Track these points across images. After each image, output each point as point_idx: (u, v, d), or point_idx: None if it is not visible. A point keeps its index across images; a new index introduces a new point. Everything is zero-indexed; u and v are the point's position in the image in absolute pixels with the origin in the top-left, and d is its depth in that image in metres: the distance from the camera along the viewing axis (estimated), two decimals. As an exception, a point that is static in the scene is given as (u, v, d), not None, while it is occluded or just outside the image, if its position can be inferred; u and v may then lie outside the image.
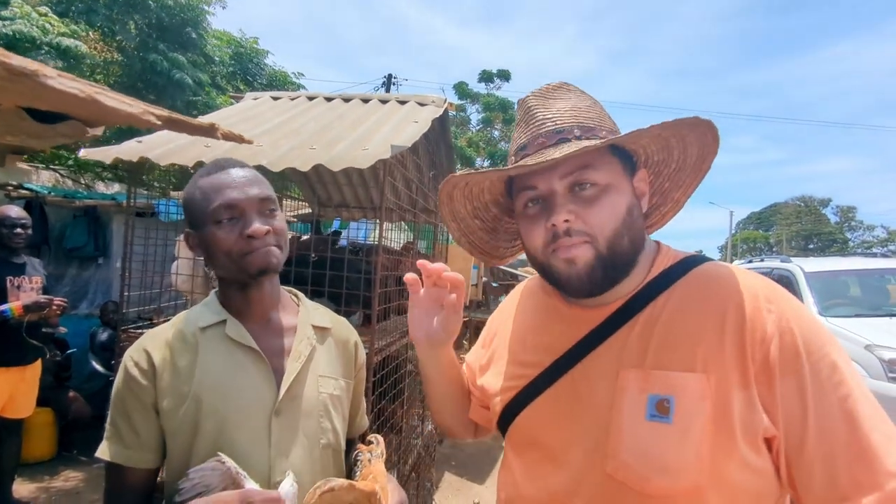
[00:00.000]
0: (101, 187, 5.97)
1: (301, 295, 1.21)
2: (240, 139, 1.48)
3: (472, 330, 9.66)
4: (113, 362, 3.76)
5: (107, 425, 1.03)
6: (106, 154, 2.04)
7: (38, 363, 3.42)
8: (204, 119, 2.72)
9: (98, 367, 4.45)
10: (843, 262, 7.23)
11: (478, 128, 16.18)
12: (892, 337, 4.88)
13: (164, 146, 2.07)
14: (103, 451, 1.01)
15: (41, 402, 3.64)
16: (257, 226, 1.01)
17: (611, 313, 0.88)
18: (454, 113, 15.96)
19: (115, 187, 5.97)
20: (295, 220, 5.02)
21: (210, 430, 0.99)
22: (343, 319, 1.25)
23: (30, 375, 3.35)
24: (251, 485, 0.92)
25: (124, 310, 2.29)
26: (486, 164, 15.03)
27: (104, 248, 5.35)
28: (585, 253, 0.82)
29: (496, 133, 15.92)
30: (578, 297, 0.89)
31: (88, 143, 4.51)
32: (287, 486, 0.91)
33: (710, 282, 0.85)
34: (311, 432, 1.06)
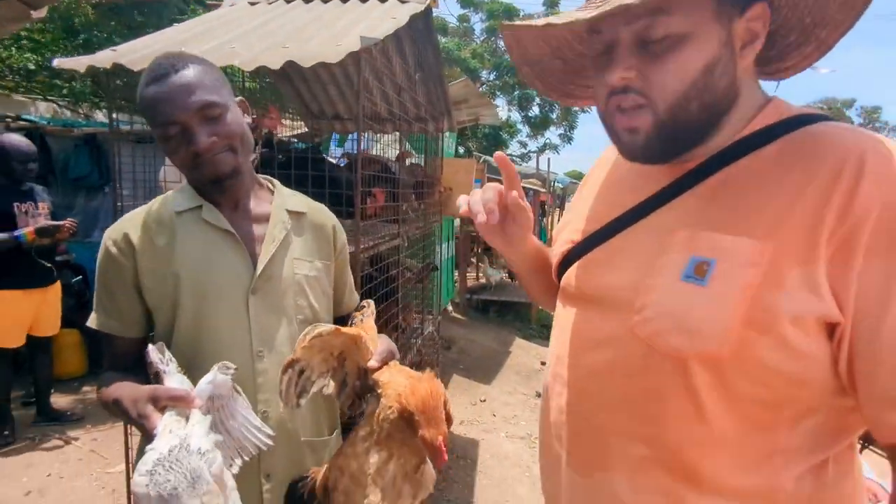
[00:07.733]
0: (100, 116, 5.93)
1: (276, 182, 1.24)
2: None
3: (480, 244, 9.76)
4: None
5: (94, 299, 1.13)
6: (79, 63, 2.03)
7: (58, 285, 3.60)
8: (179, 26, 2.66)
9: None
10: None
11: (482, 38, 15.44)
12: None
13: (139, 52, 2.04)
14: (92, 321, 1.12)
15: (68, 324, 3.85)
16: (201, 142, 1.02)
17: (684, 173, 0.78)
18: (457, 23, 15.23)
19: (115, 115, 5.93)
20: (295, 140, 4.98)
21: (189, 306, 1.06)
22: (321, 206, 1.29)
23: (51, 296, 3.55)
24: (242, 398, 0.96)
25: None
26: (492, 76, 14.51)
27: (108, 177, 5.41)
28: (645, 122, 0.73)
29: (502, 43, 15.19)
30: (640, 163, 0.80)
31: (62, 53, 4.42)
32: (217, 377, 0.91)
33: (809, 143, 0.71)
34: (288, 309, 1.13)
